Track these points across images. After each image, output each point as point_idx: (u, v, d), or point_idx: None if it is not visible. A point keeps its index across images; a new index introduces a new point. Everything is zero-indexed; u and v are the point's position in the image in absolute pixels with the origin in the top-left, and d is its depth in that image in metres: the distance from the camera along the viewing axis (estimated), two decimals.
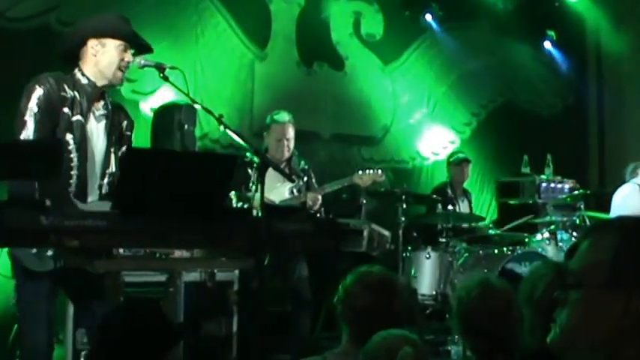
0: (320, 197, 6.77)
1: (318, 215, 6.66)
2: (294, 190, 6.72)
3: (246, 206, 5.83)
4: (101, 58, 4.36)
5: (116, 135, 4.47)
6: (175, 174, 3.68)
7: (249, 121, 8.84)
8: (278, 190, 6.54)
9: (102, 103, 4.43)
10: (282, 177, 5.46)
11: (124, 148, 4.47)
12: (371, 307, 3.43)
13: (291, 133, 6.86)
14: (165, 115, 7.08)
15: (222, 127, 4.53)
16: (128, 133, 4.57)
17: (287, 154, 6.82)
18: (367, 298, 3.47)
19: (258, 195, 4.20)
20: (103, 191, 4.33)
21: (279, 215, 4.15)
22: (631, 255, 1.85)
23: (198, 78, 8.42)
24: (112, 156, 4.40)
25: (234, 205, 5.85)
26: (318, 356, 3.52)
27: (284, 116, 6.92)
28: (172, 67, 4.48)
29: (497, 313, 3.30)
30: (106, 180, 4.35)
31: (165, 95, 7.69)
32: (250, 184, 6.41)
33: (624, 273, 1.82)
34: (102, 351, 3.05)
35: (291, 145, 6.87)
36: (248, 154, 6.22)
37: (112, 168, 4.38)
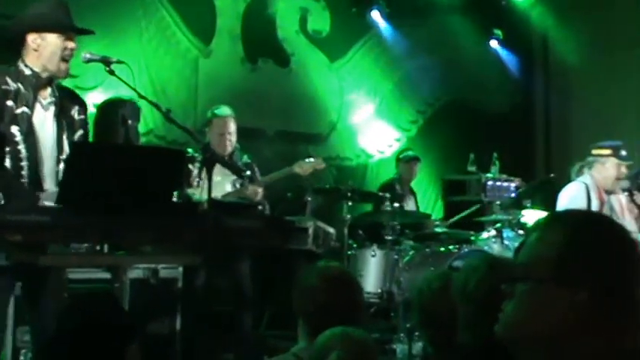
0: (260, 190, 6.69)
1: (260, 207, 6.60)
2: (237, 184, 6.65)
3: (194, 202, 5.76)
4: (43, 51, 4.31)
5: (67, 120, 4.39)
6: (122, 169, 3.62)
7: (193, 118, 8.73)
8: (219, 184, 6.46)
9: (49, 91, 4.36)
10: (226, 171, 5.40)
11: (79, 133, 4.40)
12: (331, 302, 3.39)
13: (232, 127, 6.82)
14: (108, 110, 6.92)
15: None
16: (81, 116, 4.49)
17: (229, 149, 6.76)
18: (328, 292, 3.43)
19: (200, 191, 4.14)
20: (59, 177, 4.25)
21: (227, 211, 4.10)
22: (577, 249, 1.86)
23: (142, 73, 8.31)
24: (65, 142, 4.34)
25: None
26: (288, 354, 3.47)
27: (225, 110, 6.89)
28: (119, 62, 4.43)
29: (457, 304, 3.29)
30: (61, 166, 4.28)
31: (109, 90, 7.58)
32: (192, 180, 6.33)
33: (570, 267, 1.84)
34: (58, 348, 2.95)
35: (233, 139, 6.81)
36: (190, 149, 6.16)
37: (66, 153, 4.30)
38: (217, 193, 6.41)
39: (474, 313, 2.98)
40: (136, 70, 7.89)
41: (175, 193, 5.75)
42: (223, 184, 6.59)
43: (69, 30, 4.34)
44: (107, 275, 4.83)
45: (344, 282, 3.53)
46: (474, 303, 2.99)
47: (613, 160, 6.91)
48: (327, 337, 2.91)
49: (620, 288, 1.86)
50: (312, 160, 7.08)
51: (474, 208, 8.97)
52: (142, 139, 7.25)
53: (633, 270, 1.90)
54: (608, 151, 6.94)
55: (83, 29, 4.49)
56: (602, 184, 6.98)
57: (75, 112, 4.46)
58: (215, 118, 6.82)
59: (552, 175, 9.13)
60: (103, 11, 7.90)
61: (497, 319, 1.94)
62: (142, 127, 7.05)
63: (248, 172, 6.72)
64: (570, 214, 2.10)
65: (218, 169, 6.07)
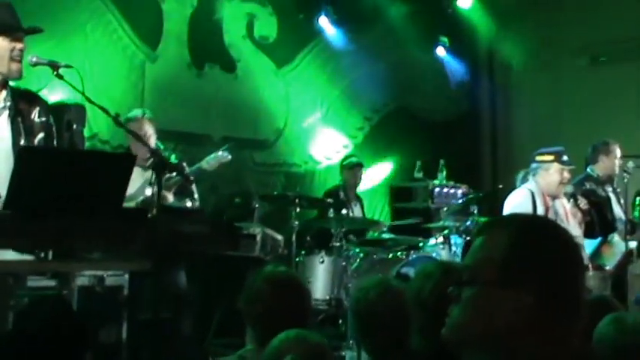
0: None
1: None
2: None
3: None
4: None
5: (25, 124, 4.28)
6: (70, 173, 3.54)
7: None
8: (141, 189, 6.37)
9: (2, 94, 4.25)
10: (144, 174, 5.35)
11: (40, 136, 4.30)
12: (279, 306, 3.37)
13: (149, 128, 6.72)
14: (53, 114, 6.84)
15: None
16: (42, 118, 4.37)
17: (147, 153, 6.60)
18: (275, 296, 3.41)
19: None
20: None
21: (176, 217, 4.04)
22: (521, 252, 1.88)
23: (87, 77, 8.16)
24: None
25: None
26: (233, 356, 3.44)
27: (137, 112, 6.83)
28: (67, 66, 4.34)
29: (395, 312, 3.29)
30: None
31: (53, 93, 7.46)
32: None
33: (514, 270, 1.86)
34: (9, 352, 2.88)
35: (152, 140, 6.67)
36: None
37: None
38: (139, 198, 6.34)
39: (428, 318, 2.98)
40: (81, 74, 7.78)
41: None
42: (144, 188, 6.48)
43: (15, 30, 4.24)
44: (52, 283, 4.76)
45: (291, 286, 3.51)
46: (428, 309, 2.99)
47: (556, 166, 6.98)
48: (281, 339, 2.88)
49: (563, 291, 1.87)
50: (218, 154, 6.99)
51: (413, 220, 8.97)
52: (87, 144, 7.16)
53: (577, 273, 1.92)
54: (550, 157, 7.00)
55: (31, 29, 4.39)
56: (547, 190, 7.04)
57: (35, 115, 4.36)
58: (129, 122, 6.64)
59: (500, 186, 9.19)
60: (47, 13, 7.75)
61: None
62: (86, 132, 6.98)
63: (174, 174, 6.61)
64: (514, 217, 2.13)
65: (138, 173, 5.98)
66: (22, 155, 3.90)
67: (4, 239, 3.37)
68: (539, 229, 1.95)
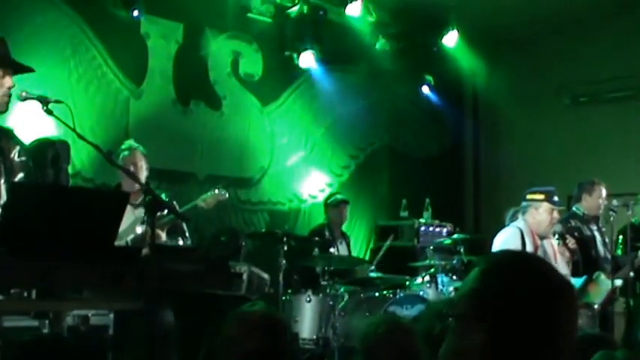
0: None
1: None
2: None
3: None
4: None
5: (6, 164, 4.18)
6: (62, 210, 3.44)
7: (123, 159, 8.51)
8: (131, 226, 6.28)
9: None
10: (135, 212, 5.29)
11: (20, 175, 4.20)
12: (257, 350, 3.26)
13: (141, 160, 6.64)
14: (37, 151, 6.75)
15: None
16: (22, 159, 4.29)
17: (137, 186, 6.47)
18: (251, 340, 3.29)
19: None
20: None
21: (169, 256, 3.96)
22: (491, 287, 1.88)
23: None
24: (2, 186, 4.11)
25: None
26: None
27: (130, 143, 6.77)
28: (57, 101, 4.25)
29: (403, 348, 3.25)
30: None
31: (38, 130, 7.38)
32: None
33: (485, 304, 1.86)
34: None
35: (143, 175, 6.58)
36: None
37: (4, 198, 4.09)
38: (129, 236, 6.25)
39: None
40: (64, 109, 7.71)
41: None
42: (134, 225, 6.39)
43: (7, 63, 4.16)
44: (35, 323, 4.64)
45: (268, 327, 3.37)
46: (438, 347, 2.95)
47: (546, 205, 6.96)
48: None
49: (526, 331, 1.82)
50: (215, 192, 6.93)
51: (387, 243, 8.95)
52: (70, 182, 7.07)
53: (550, 312, 1.87)
54: (541, 196, 6.99)
55: (24, 66, 4.32)
56: (536, 229, 7.02)
57: (15, 154, 4.27)
58: (122, 152, 6.63)
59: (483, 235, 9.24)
60: (31, 47, 7.69)
61: None
62: (69, 169, 6.90)
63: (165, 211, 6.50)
64: (497, 254, 2.19)
65: (128, 210, 5.88)
66: (14, 191, 3.81)
67: None
68: (513, 264, 1.94)
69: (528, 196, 7.11)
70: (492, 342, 1.81)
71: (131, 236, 6.29)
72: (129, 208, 5.77)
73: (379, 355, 3.35)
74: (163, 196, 6.73)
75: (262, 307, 3.52)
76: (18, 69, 4.29)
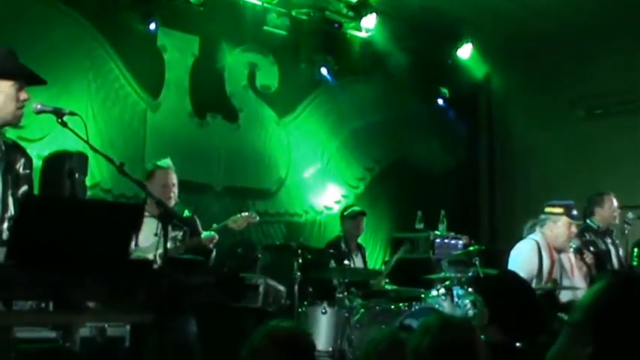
0: (216, 237, 6.59)
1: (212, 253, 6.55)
2: (176, 241, 6.50)
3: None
4: None
5: (12, 176, 4.21)
6: (75, 223, 3.46)
7: (140, 171, 8.52)
8: (157, 240, 6.32)
9: None
10: (159, 226, 5.31)
11: (24, 188, 4.22)
12: None
13: (174, 179, 6.70)
14: (55, 163, 6.83)
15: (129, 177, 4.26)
16: (27, 171, 4.31)
17: (172, 202, 6.59)
18: (277, 355, 3.33)
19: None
20: (4, 237, 4.08)
21: (181, 268, 3.98)
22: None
23: (88, 125, 8.14)
24: (10, 199, 4.14)
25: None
26: None
27: (167, 162, 6.79)
28: (72, 113, 4.28)
29: None
30: (5, 225, 4.09)
31: (55, 142, 7.46)
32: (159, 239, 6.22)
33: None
34: None
35: (176, 191, 6.66)
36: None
37: (11, 211, 4.12)
38: (158, 250, 6.29)
39: None
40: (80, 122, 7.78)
41: None
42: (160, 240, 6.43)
43: (23, 75, 4.20)
44: (52, 334, 4.68)
45: (293, 342, 3.40)
46: None
47: (565, 219, 6.95)
48: None
49: (627, 344, 1.89)
50: (245, 214, 6.98)
51: (401, 252, 8.97)
52: (88, 193, 7.13)
53: None
54: (560, 210, 6.98)
55: (38, 78, 4.35)
56: (553, 242, 7.01)
57: (20, 166, 4.29)
58: (158, 169, 6.68)
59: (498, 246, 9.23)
60: (49, 61, 7.80)
61: None
62: (88, 180, 6.96)
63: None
64: (621, 271, 2.26)
65: (154, 225, 5.93)
66: (25, 204, 3.84)
67: (8, 290, 3.30)
68: (630, 285, 2.05)
69: (547, 209, 7.10)
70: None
71: (160, 251, 6.33)
72: (154, 221, 5.84)
73: None
74: (186, 212, 6.81)
75: (291, 324, 3.58)
76: (31, 80, 4.31)
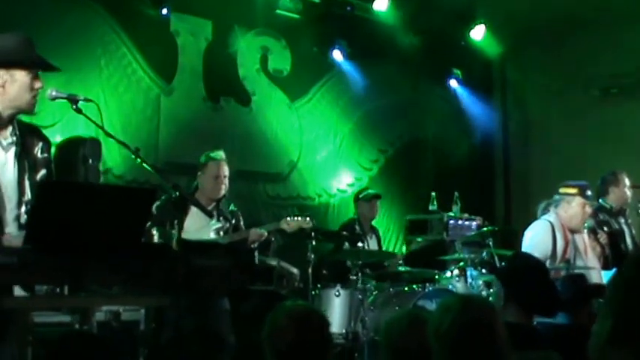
0: (265, 234, 6.68)
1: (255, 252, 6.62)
2: (221, 232, 6.55)
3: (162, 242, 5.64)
4: (10, 88, 4.15)
5: (29, 160, 4.24)
6: (91, 208, 3.49)
7: (154, 157, 8.62)
8: (204, 230, 6.35)
9: (9, 130, 4.21)
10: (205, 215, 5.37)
11: (42, 172, 4.26)
12: (302, 341, 3.38)
13: (226, 170, 6.78)
14: (69, 149, 6.88)
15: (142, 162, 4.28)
16: (45, 155, 4.34)
17: (223, 192, 6.70)
18: (297, 331, 3.40)
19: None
20: (22, 221, 4.11)
21: (196, 251, 4.02)
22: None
23: (102, 111, 8.17)
24: (27, 183, 4.18)
25: (156, 241, 5.66)
26: None
27: (220, 153, 6.84)
28: (86, 100, 4.32)
29: (427, 343, 3.27)
30: (23, 209, 4.12)
31: (68, 128, 7.50)
32: (175, 222, 6.24)
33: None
34: None
35: (227, 183, 6.75)
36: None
37: (28, 195, 4.16)
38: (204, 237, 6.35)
39: (449, 351, 3.02)
40: (96, 108, 7.81)
41: (156, 230, 5.70)
42: (208, 230, 6.46)
43: (38, 64, 4.22)
44: (67, 318, 4.72)
45: (313, 320, 3.49)
46: (447, 342, 3.03)
47: (579, 199, 6.94)
48: None
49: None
50: (299, 218, 7.04)
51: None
52: (101, 179, 7.17)
53: None
54: (574, 190, 6.97)
55: (51, 65, 4.37)
56: (567, 223, 7.00)
57: (38, 151, 4.31)
58: (210, 161, 6.75)
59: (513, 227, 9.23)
60: (61, 48, 7.79)
61: (471, 357, 2.01)
62: (100, 166, 7.00)
63: (233, 221, 6.67)
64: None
65: (202, 216, 5.96)
66: (42, 189, 3.87)
67: (25, 275, 3.33)
68: None
69: (561, 190, 7.09)
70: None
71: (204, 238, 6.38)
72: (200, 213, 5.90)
73: (404, 347, 3.39)
74: (232, 206, 6.85)
75: (305, 303, 3.68)
76: (45, 68, 4.33)
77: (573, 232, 7.05)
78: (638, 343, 2.00)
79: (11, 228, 4.09)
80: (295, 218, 7.03)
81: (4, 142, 4.21)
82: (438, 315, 3.13)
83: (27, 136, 4.31)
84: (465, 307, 3.11)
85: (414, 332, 3.37)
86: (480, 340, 3.04)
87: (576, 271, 6.77)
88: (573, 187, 7.01)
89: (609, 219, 8.11)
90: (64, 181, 4.75)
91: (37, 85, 4.20)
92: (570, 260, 6.87)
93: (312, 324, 3.47)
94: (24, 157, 4.23)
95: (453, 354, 3.04)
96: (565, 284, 5.91)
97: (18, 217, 4.14)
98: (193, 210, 5.91)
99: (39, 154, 4.33)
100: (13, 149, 4.22)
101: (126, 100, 8.70)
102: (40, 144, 4.35)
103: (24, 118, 4.44)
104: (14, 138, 4.24)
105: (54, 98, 4.28)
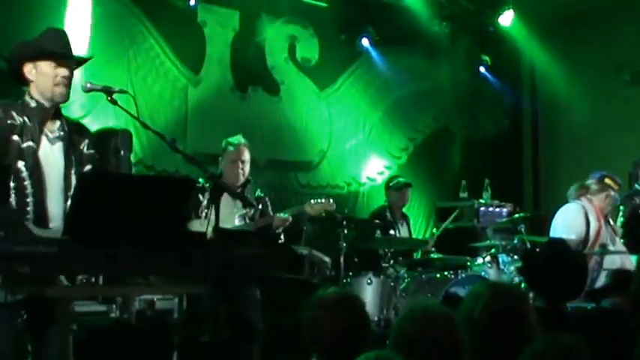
0: (289, 219, 6.67)
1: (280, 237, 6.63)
2: (246, 218, 6.56)
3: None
4: (38, 79, 4.25)
5: (76, 155, 4.30)
6: (130, 199, 3.53)
7: (182, 147, 8.52)
8: (228, 217, 6.36)
9: (57, 124, 4.28)
10: (237, 204, 5.35)
11: (87, 167, 4.30)
12: (341, 328, 3.39)
13: (246, 155, 6.75)
14: (100, 140, 6.87)
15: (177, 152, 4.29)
16: (91, 151, 4.40)
17: (242, 179, 6.67)
18: (335, 320, 3.43)
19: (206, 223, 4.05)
20: None
21: (233, 240, 4.02)
22: None
23: (131, 102, 8.21)
24: (73, 177, 4.23)
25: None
26: None
27: (238, 138, 6.83)
28: (121, 91, 4.35)
29: (437, 338, 3.21)
30: (69, 203, 4.14)
31: (97, 119, 7.54)
32: (200, 211, 6.26)
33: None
34: None
35: (246, 169, 6.73)
36: (201, 179, 6.08)
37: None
38: (226, 226, 6.33)
39: (480, 338, 3.05)
40: (125, 100, 7.85)
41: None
42: (232, 217, 6.48)
43: (58, 55, 4.25)
44: (102, 308, 4.76)
45: (346, 305, 3.51)
46: (479, 329, 3.05)
47: (615, 195, 7.02)
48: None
49: None
50: (322, 200, 7.03)
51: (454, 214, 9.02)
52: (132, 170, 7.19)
53: None
54: (618, 187, 7.06)
55: (76, 56, 4.41)
56: (599, 208, 7.00)
57: (84, 147, 4.38)
58: (228, 145, 6.76)
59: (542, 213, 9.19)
60: (90, 39, 7.85)
61: (502, 344, 2.02)
62: (132, 157, 7.03)
63: (260, 206, 6.68)
64: None
65: (228, 202, 5.98)
66: (82, 180, 3.91)
67: (66, 265, 3.36)
68: None
69: (607, 181, 7.14)
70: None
71: (227, 227, 6.38)
72: (229, 199, 5.92)
73: (411, 346, 3.32)
74: (258, 191, 6.86)
75: (336, 290, 3.70)
76: (66, 57, 4.35)
77: (606, 217, 7.07)
78: None
79: (56, 222, 4.14)
80: (319, 201, 7.02)
81: (51, 136, 4.27)
82: (469, 302, 3.14)
83: (74, 132, 4.38)
84: (496, 294, 3.11)
85: (423, 327, 3.27)
86: (511, 327, 3.03)
87: (610, 255, 6.77)
88: (618, 183, 7.06)
89: None
90: (103, 173, 4.79)
91: (62, 73, 4.23)
92: (605, 244, 6.87)
93: (348, 309, 3.48)
94: (71, 152, 4.30)
95: (484, 341, 3.04)
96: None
97: (64, 211, 4.18)
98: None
99: (85, 150, 4.40)
100: (59, 143, 4.29)
101: (154, 91, 8.73)
102: (87, 140, 4.43)
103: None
104: (62, 133, 4.31)
105: (89, 90, 4.31)
